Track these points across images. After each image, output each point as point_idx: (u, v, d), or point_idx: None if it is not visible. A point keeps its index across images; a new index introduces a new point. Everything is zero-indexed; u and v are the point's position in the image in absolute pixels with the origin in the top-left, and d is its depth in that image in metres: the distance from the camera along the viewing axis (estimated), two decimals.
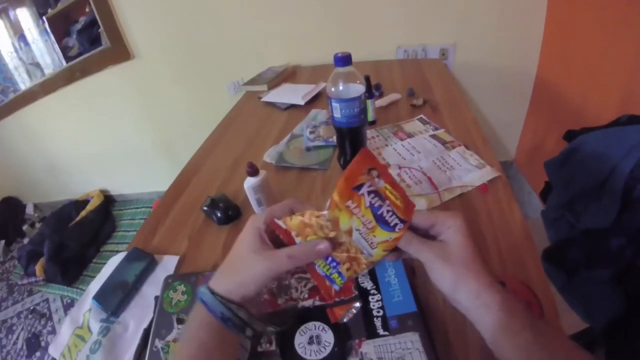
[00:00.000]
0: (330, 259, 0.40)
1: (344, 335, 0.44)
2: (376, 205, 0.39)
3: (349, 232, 0.39)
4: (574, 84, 1.37)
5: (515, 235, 0.59)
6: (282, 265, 0.39)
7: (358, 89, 0.67)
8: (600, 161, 0.90)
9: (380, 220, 0.39)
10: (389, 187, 0.39)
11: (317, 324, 0.46)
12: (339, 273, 0.40)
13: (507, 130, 1.81)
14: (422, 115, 0.98)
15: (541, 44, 1.51)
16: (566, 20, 1.37)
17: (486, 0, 1.43)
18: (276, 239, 0.42)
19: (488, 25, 1.49)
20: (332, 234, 0.39)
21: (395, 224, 0.38)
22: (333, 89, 0.68)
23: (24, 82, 2.05)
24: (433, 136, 0.87)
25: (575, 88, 1.37)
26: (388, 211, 0.38)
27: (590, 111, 1.28)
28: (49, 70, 1.95)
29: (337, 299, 0.50)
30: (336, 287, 0.40)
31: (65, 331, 0.61)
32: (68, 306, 1.90)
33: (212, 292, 0.39)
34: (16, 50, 1.96)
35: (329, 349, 0.43)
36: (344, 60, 0.64)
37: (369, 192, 0.39)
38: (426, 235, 0.40)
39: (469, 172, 0.74)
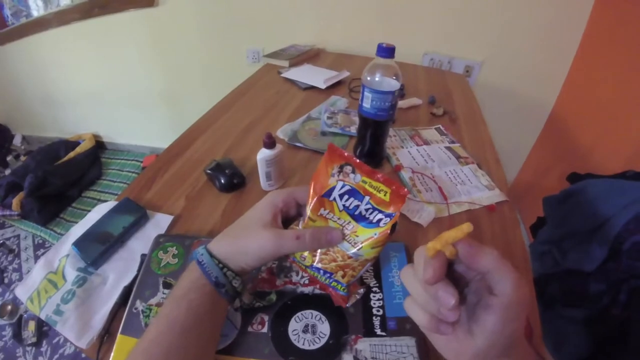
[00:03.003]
0: (322, 271, 0.39)
1: (341, 329, 0.43)
2: (351, 206, 0.37)
3: None
4: (587, 127, 1.39)
5: (514, 258, 0.61)
6: (289, 245, 0.38)
7: (394, 84, 0.65)
8: (598, 207, 0.92)
9: (360, 219, 0.37)
10: (368, 180, 0.36)
11: (315, 312, 0.44)
12: (337, 281, 0.39)
13: (511, 158, 1.81)
14: (440, 126, 0.97)
15: (564, 80, 1.51)
16: (593, 63, 1.38)
17: (522, 27, 1.43)
18: (287, 222, 0.41)
19: (518, 51, 1.49)
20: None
21: (379, 219, 0.36)
22: (369, 78, 0.66)
23: (37, 9, 1.96)
24: (448, 148, 0.87)
25: (587, 132, 1.38)
26: (368, 209, 0.36)
27: (596, 159, 1.29)
28: (65, 1, 1.88)
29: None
30: (342, 293, 0.39)
31: (36, 274, 0.56)
32: (39, 246, 1.84)
33: (211, 255, 0.38)
34: None
35: (323, 341, 0.42)
36: (388, 51, 0.62)
37: (342, 195, 0.37)
38: (458, 273, 0.31)
39: (479, 190, 0.74)
